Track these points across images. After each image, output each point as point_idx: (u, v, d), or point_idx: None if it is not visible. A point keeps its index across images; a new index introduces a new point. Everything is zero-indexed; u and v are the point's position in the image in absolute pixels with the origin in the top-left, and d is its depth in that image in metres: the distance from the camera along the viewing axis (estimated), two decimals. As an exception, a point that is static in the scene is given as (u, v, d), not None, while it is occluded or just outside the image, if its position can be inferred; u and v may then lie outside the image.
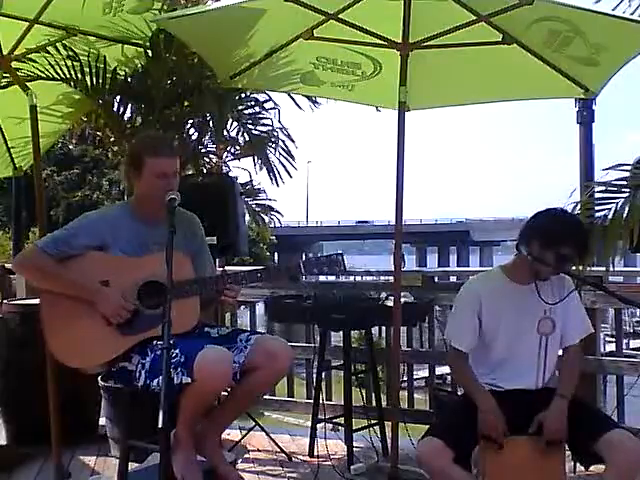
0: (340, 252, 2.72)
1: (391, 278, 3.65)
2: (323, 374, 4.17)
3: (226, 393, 2.87)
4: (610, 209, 3.27)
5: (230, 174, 4.82)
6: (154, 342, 2.59)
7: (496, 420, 2.54)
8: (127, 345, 2.64)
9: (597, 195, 3.42)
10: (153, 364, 2.56)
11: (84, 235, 2.71)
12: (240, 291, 2.77)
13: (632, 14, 3.63)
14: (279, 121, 4.85)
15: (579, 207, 3.29)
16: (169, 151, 2.79)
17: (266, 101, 4.83)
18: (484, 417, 2.55)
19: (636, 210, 3.17)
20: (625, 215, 3.20)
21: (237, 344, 2.69)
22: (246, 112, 4.82)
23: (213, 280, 2.74)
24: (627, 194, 3.25)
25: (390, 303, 3.64)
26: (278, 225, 5.63)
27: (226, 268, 2.89)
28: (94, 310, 2.64)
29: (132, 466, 2.85)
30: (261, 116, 4.87)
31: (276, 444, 3.99)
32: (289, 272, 2.80)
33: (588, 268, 3.28)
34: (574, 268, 3.12)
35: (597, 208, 3.35)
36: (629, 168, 3.34)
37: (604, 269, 3.34)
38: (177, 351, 2.47)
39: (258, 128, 4.84)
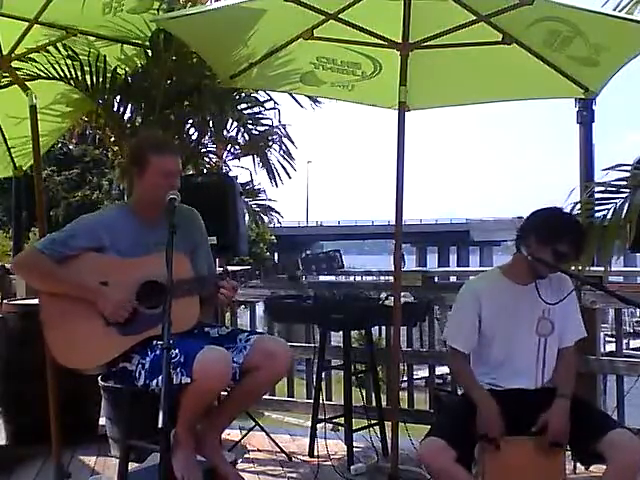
0: (337, 249, 2.73)
1: (391, 278, 3.65)
2: (323, 374, 4.17)
3: (226, 393, 2.87)
4: (609, 209, 3.27)
5: (230, 174, 4.83)
6: (154, 342, 2.59)
7: (495, 420, 2.53)
8: (127, 345, 2.63)
9: (597, 195, 3.42)
10: (153, 364, 2.56)
11: (82, 236, 2.70)
12: (237, 289, 2.74)
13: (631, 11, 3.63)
14: (279, 121, 4.86)
15: (579, 207, 3.29)
16: (173, 150, 2.80)
17: (266, 101, 4.84)
18: (483, 417, 2.55)
19: (634, 210, 3.17)
20: (623, 215, 3.19)
21: (237, 344, 2.69)
22: (246, 112, 4.82)
23: (212, 278, 2.74)
24: (626, 194, 3.25)
25: (390, 303, 3.64)
26: (278, 225, 5.63)
27: (227, 267, 2.88)
28: (94, 311, 2.63)
29: (132, 466, 2.85)
30: (261, 116, 4.88)
31: (276, 444, 3.98)
32: (287, 270, 2.80)
33: (587, 268, 3.28)
34: (573, 268, 3.13)
35: (597, 208, 3.35)
36: (629, 168, 3.34)
37: (602, 269, 3.33)
38: (177, 351, 2.46)
39: (258, 128, 4.85)
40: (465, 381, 2.73)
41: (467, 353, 2.73)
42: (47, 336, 2.70)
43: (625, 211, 3.20)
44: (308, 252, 2.77)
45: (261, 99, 4.84)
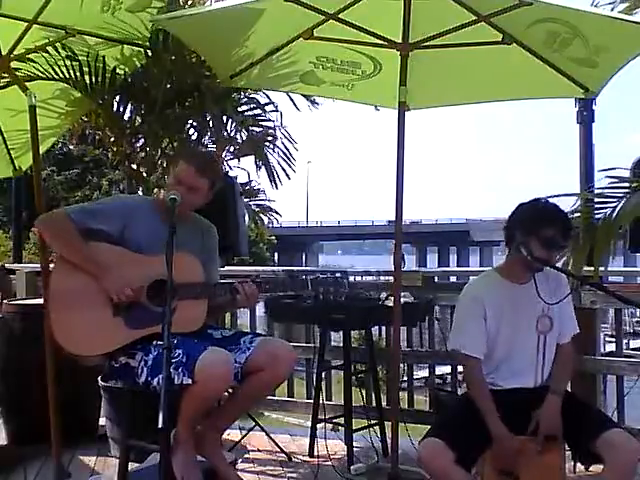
0: (346, 271, 2.76)
1: (391, 278, 3.65)
2: (323, 374, 4.17)
3: (227, 393, 2.86)
4: (605, 212, 3.27)
5: (230, 174, 4.83)
6: (158, 340, 2.58)
7: (512, 455, 2.52)
8: (131, 338, 2.64)
9: (596, 198, 3.42)
10: (155, 361, 2.57)
11: (111, 212, 2.75)
12: (256, 297, 2.76)
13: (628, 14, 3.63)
14: (281, 123, 4.86)
15: (577, 205, 3.29)
16: (196, 163, 2.77)
17: (267, 104, 4.84)
18: (499, 451, 2.53)
19: (629, 211, 3.16)
20: (614, 216, 3.19)
21: (240, 346, 2.70)
22: (246, 113, 4.82)
23: (224, 287, 2.75)
24: (622, 196, 3.25)
25: (390, 303, 3.64)
26: (278, 225, 5.63)
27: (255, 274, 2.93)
28: (104, 299, 2.63)
29: (132, 466, 2.85)
30: (261, 117, 4.88)
31: (276, 444, 3.98)
32: (294, 287, 2.82)
33: (584, 268, 3.28)
34: (571, 268, 3.13)
35: (595, 210, 3.35)
36: (628, 170, 3.34)
37: (592, 269, 3.32)
38: (179, 351, 2.48)
39: (257, 128, 4.85)
40: (481, 401, 2.61)
41: (481, 358, 2.68)
42: (51, 316, 2.67)
43: (616, 213, 3.20)
44: (318, 274, 2.80)
45: (261, 101, 4.84)
